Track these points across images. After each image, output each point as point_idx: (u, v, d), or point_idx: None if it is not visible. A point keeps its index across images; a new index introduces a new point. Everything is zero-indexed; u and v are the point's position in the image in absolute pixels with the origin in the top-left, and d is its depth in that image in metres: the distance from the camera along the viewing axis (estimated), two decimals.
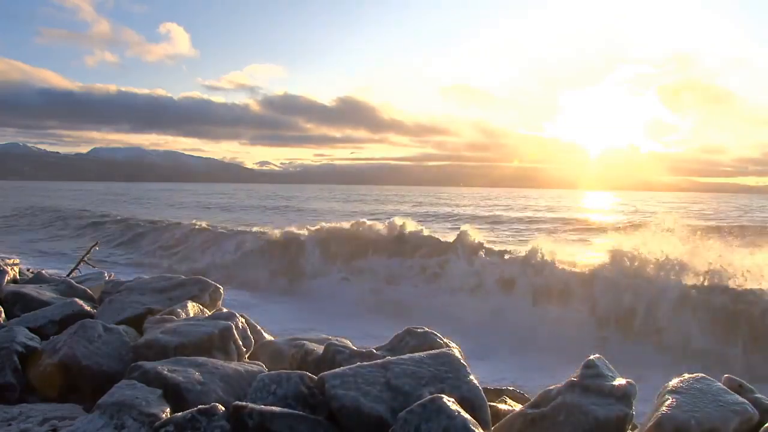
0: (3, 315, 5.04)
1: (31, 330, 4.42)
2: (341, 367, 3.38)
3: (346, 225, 19.80)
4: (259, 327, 5.26)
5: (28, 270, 8.35)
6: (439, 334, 4.50)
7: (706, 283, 11.75)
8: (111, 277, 7.90)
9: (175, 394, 3.28)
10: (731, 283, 11.56)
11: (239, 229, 24.78)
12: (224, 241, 22.32)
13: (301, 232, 20.23)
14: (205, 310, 5.24)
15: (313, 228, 20.22)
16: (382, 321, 12.07)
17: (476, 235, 17.41)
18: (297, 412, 3.05)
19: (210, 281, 5.73)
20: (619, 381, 3.31)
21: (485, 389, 3.81)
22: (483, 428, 2.93)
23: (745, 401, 3.20)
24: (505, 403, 4.19)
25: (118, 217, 33.21)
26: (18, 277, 6.80)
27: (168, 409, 3.09)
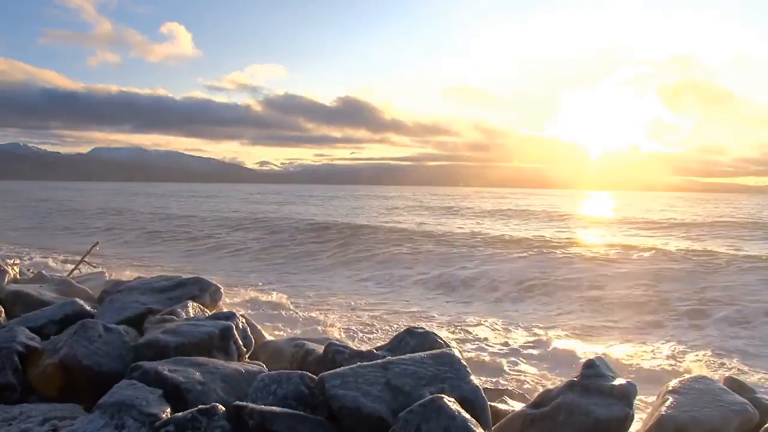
0: (3, 315, 5.04)
1: (31, 330, 4.42)
2: (341, 367, 3.38)
3: None
4: (259, 327, 5.26)
5: (29, 270, 8.36)
6: (439, 335, 4.50)
7: None
8: (111, 277, 7.91)
9: (175, 394, 3.28)
10: None
11: None
12: None
13: None
14: (206, 309, 5.24)
15: None
16: None
17: None
18: (297, 412, 3.05)
19: (210, 281, 5.73)
20: (619, 381, 3.31)
21: (486, 389, 3.81)
22: (483, 428, 2.94)
23: (745, 401, 3.21)
24: (506, 403, 4.18)
25: None
26: (18, 276, 6.80)
27: (168, 409, 3.10)
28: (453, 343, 4.92)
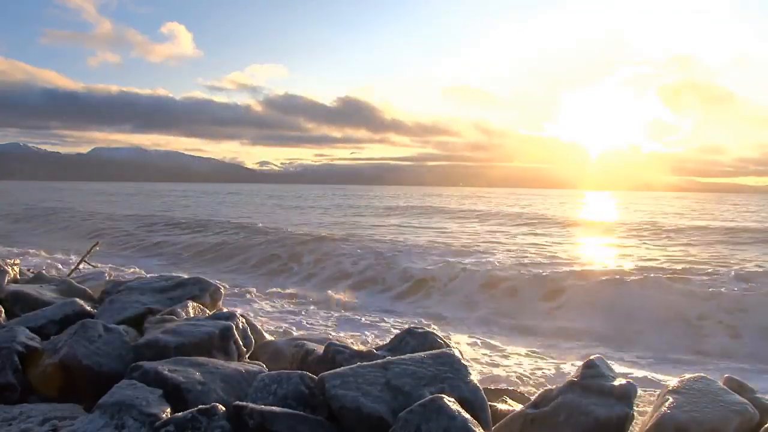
0: (3, 315, 5.04)
1: (31, 330, 4.42)
2: (341, 367, 3.38)
3: None
4: (259, 327, 5.26)
5: (28, 270, 8.36)
6: (439, 335, 4.50)
7: None
8: (111, 277, 7.91)
9: (175, 394, 3.29)
10: None
11: None
12: None
13: None
14: (206, 309, 5.25)
15: None
16: None
17: None
18: (297, 412, 3.05)
19: (210, 281, 5.74)
20: (620, 381, 3.31)
21: (485, 389, 3.81)
22: (483, 428, 2.94)
23: (745, 401, 3.20)
24: (505, 403, 4.19)
25: None
26: (18, 276, 6.80)
27: (168, 409, 3.10)
28: (453, 344, 4.92)
